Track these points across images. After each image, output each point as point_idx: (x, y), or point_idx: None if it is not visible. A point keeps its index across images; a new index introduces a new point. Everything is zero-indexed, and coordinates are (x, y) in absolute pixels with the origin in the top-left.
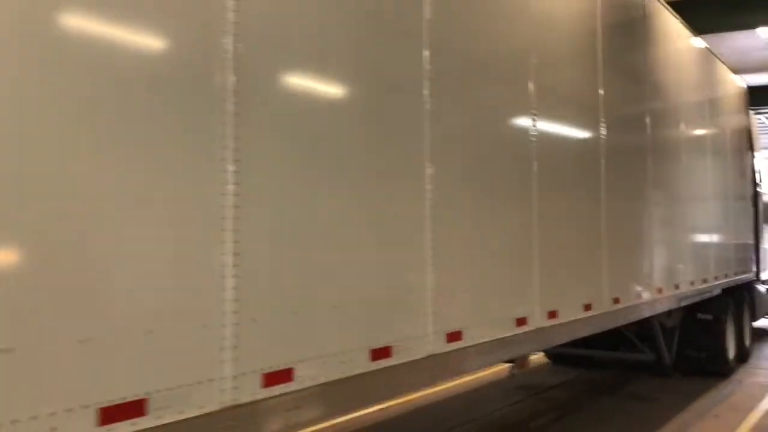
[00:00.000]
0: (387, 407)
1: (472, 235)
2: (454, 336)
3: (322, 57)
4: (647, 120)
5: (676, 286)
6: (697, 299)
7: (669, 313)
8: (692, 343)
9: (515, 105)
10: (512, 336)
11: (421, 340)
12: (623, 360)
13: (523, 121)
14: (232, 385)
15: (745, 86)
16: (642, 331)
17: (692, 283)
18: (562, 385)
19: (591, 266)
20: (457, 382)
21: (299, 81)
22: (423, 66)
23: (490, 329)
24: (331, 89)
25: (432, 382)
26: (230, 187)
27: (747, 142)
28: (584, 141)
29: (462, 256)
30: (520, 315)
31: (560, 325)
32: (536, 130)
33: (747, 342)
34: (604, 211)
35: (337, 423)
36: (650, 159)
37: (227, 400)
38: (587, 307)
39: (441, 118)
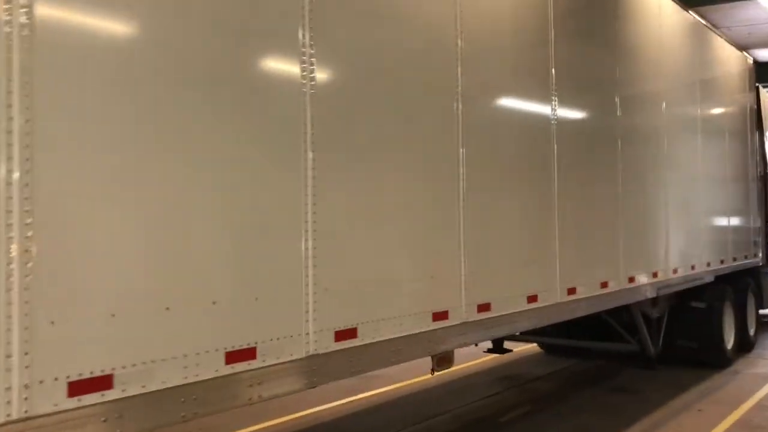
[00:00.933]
0: (361, 398)
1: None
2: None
3: None
4: (617, 101)
5: (654, 274)
6: (683, 287)
7: (654, 302)
8: (685, 332)
9: None
10: (433, 330)
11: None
12: (609, 350)
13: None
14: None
15: (751, 62)
16: (626, 320)
17: (675, 271)
18: (548, 377)
19: (540, 254)
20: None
21: None
22: None
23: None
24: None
25: None
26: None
27: (754, 121)
28: (532, 121)
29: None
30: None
31: (495, 318)
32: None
33: (751, 331)
34: (556, 194)
35: (315, 412)
36: (619, 141)
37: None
38: (532, 299)
39: None
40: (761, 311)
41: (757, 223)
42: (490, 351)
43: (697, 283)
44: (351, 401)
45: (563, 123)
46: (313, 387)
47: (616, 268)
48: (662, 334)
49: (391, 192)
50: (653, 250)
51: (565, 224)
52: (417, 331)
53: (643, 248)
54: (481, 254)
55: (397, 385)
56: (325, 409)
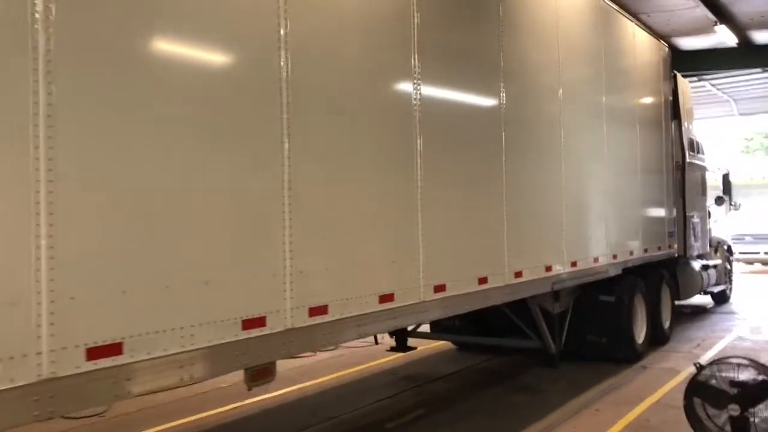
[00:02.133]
0: (244, 404)
1: None
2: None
3: None
4: (502, 93)
5: (547, 268)
6: (584, 281)
7: (555, 296)
8: (594, 327)
9: None
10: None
11: None
12: (511, 347)
13: None
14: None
15: (667, 50)
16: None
17: (574, 264)
18: (452, 376)
19: (405, 246)
20: (344, 372)
21: None
22: None
23: None
24: None
25: None
26: None
27: (670, 110)
28: (394, 108)
29: None
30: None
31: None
32: None
33: (666, 324)
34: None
35: (197, 419)
36: (504, 130)
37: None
38: (384, 298)
39: None
40: (679, 302)
41: (673, 213)
42: (393, 349)
43: (601, 276)
44: (234, 407)
45: (426, 107)
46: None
47: (500, 263)
48: (566, 330)
49: None
50: (546, 243)
51: (431, 219)
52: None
53: (534, 241)
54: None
55: (291, 388)
56: (205, 416)
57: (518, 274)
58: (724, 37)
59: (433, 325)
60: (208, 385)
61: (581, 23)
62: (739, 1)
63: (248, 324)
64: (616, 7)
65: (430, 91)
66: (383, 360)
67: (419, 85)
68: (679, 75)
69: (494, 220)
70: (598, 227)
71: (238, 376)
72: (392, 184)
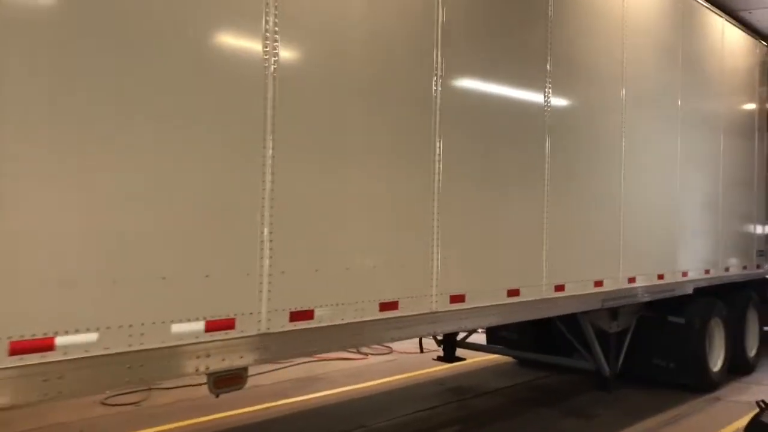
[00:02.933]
0: (282, 404)
1: None
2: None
3: None
4: (547, 94)
5: (597, 283)
6: (644, 300)
7: (613, 314)
8: (661, 350)
9: None
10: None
11: None
12: (565, 366)
13: None
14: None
15: (766, 53)
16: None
17: (633, 280)
18: (501, 391)
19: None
20: (390, 378)
21: None
22: None
23: None
24: None
25: None
26: None
27: (766, 118)
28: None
29: None
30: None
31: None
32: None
33: (751, 352)
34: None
35: (236, 414)
36: (548, 134)
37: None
38: (386, 306)
39: None
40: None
41: (762, 229)
42: (439, 359)
43: (665, 295)
44: (271, 406)
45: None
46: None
47: (536, 275)
48: (624, 352)
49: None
50: (598, 256)
51: (449, 222)
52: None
53: (581, 253)
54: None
55: (331, 391)
56: (245, 413)
57: (559, 288)
58: None
59: (490, 335)
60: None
61: (653, 18)
62: None
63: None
64: (702, 1)
65: (452, 86)
66: (435, 368)
67: (439, 78)
68: None
69: (531, 229)
70: (664, 242)
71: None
72: (406, 183)
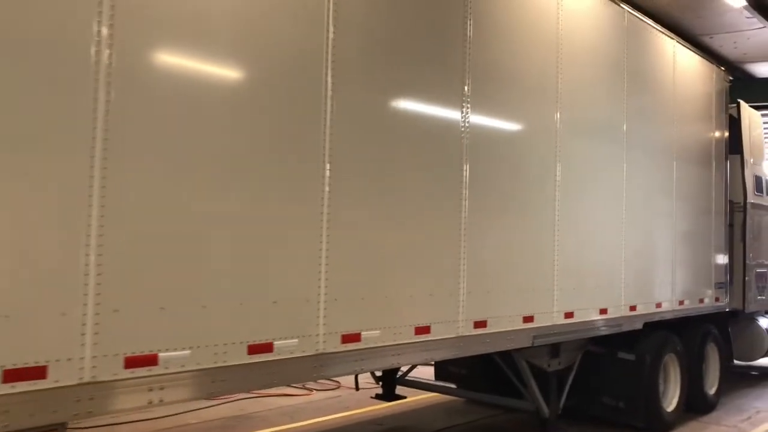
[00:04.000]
0: None
1: None
2: None
3: None
4: (465, 120)
5: (527, 319)
6: (580, 336)
7: (554, 351)
8: (610, 388)
9: None
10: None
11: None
12: (504, 406)
13: None
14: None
15: (722, 75)
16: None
17: (570, 315)
18: None
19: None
20: (326, 417)
21: None
22: None
23: None
24: None
25: None
26: None
27: (726, 144)
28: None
29: None
30: None
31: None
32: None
33: (711, 389)
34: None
35: None
36: (467, 164)
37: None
38: (255, 348)
39: None
40: (745, 363)
41: (724, 261)
42: (378, 397)
43: (610, 331)
44: None
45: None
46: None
47: (453, 310)
48: (566, 391)
49: None
50: (528, 289)
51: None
52: None
53: (508, 285)
54: None
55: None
56: None
57: (480, 324)
58: None
59: (439, 370)
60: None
61: (593, 39)
62: None
63: None
64: (651, 22)
65: (345, 107)
66: (378, 407)
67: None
68: (744, 104)
69: (446, 261)
70: (608, 274)
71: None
72: (283, 211)
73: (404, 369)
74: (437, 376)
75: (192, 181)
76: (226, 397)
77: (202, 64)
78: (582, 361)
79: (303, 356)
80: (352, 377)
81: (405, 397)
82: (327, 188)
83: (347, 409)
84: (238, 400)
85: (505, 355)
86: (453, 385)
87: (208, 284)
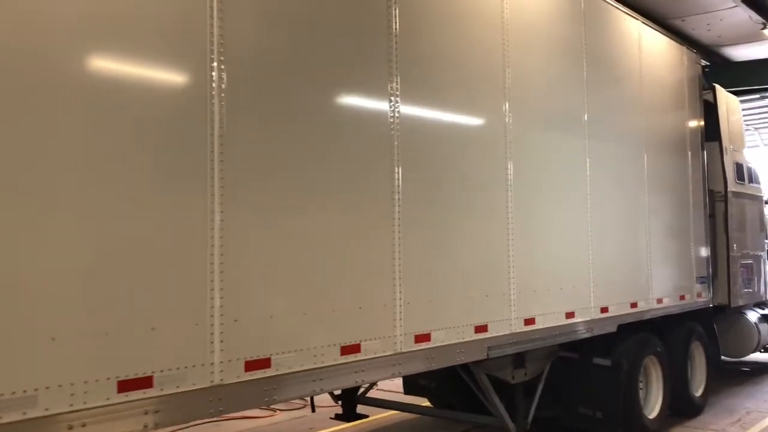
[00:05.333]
0: None
1: None
2: None
3: None
4: (394, 116)
5: (479, 329)
6: (548, 343)
7: (516, 363)
8: (587, 397)
9: None
10: None
11: None
12: (472, 423)
13: None
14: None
15: (694, 60)
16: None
17: (530, 322)
18: None
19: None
20: None
21: None
22: None
23: None
24: None
25: None
26: None
27: (702, 132)
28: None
29: None
30: None
31: None
32: None
33: (697, 391)
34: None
35: None
36: (399, 167)
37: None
38: (130, 384)
39: None
40: (737, 360)
41: (706, 254)
42: (338, 417)
43: (577, 336)
44: None
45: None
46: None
47: (388, 324)
48: (535, 404)
49: None
50: (481, 294)
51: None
52: None
53: (454, 291)
54: None
55: None
56: None
57: (422, 338)
58: None
59: (408, 384)
60: None
61: (546, 21)
62: None
63: None
64: (611, 2)
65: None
66: (342, 427)
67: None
68: (720, 89)
69: (375, 269)
70: (573, 275)
71: None
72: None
73: (365, 386)
74: (406, 390)
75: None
76: (185, 425)
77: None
78: (554, 369)
79: (197, 389)
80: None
81: (367, 416)
82: (218, 209)
83: (311, 430)
84: (198, 424)
85: (465, 368)
86: (416, 403)
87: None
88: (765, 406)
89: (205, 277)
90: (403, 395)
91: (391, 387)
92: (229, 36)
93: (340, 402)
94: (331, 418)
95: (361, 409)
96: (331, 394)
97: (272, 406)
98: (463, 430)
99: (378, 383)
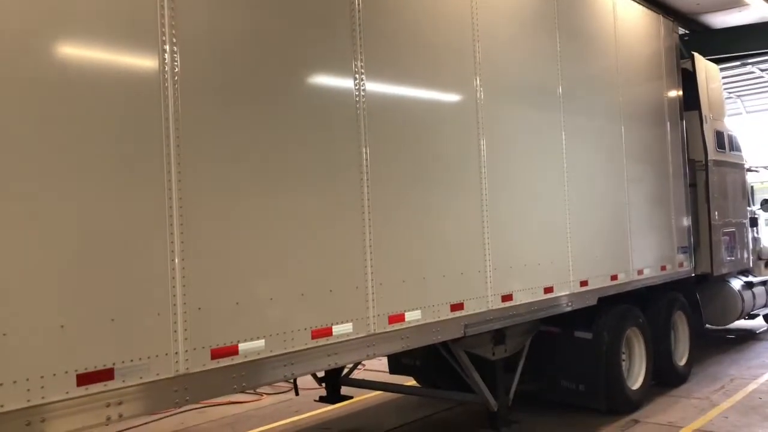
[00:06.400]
0: None
1: None
2: None
3: None
4: (360, 94)
5: (455, 307)
6: (526, 319)
7: (498, 338)
8: (569, 370)
9: None
10: None
11: None
12: (454, 400)
13: None
14: None
15: (672, 25)
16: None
17: (507, 298)
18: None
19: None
20: (280, 423)
21: None
22: None
23: None
24: None
25: None
26: None
27: (680, 101)
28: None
29: None
30: None
31: None
32: None
33: (681, 360)
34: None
35: None
36: (366, 147)
37: None
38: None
39: None
40: (723, 327)
41: (687, 223)
42: (322, 400)
43: (556, 311)
44: None
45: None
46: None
47: (360, 305)
48: (516, 380)
49: None
50: (455, 270)
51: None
52: None
53: (427, 272)
54: None
55: None
56: None
57: (396, 318)
58: (760, 8)
59: (392, 363)
60: None
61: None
62: None
63: None
64: None
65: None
66: (328, 409)
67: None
68: (699, 57)
69: (346, 248)
70: (551, 249)
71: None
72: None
73: (348, 367)
74: (391, 370)
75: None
76: (169, 410)
77: None
78: (536, 344)
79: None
80: (304, 379)
81: (351, 398)
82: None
83: (297, 413)
84: (181, 412)
85: (445, 346)
86: (400, 383)
87: None
88: (748, 373)
89: (166, 266)
90: (388, 375)
91: (378, 367)
92: (182, 16)
93: (323, 384)
94: (315, 400)
95: (345, 390)
96: (314, 376)
97: (258, 390)
98: (447, 407)
99: (364, 363)
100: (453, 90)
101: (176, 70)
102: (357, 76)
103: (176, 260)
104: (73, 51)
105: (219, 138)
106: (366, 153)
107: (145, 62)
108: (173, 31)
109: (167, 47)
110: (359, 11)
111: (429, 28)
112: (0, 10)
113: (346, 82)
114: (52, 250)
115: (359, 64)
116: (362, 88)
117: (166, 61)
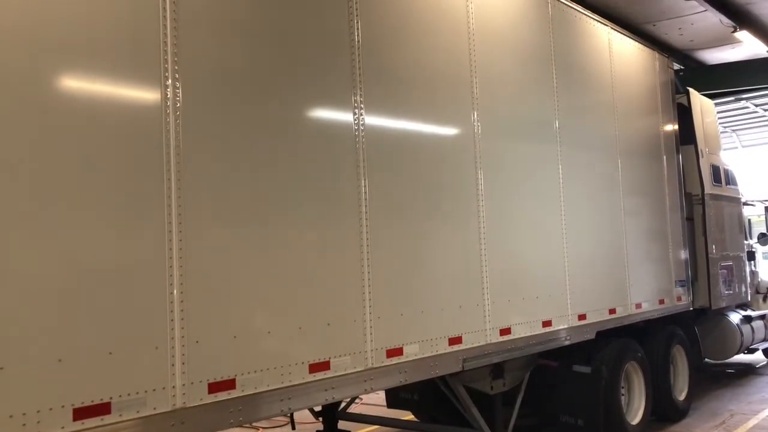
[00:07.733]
0: None
1: None
2: None
3: None
4: (359, 128)
5: (453, 340)
6: (526, 353)
7: (495, 373)
8: (568, 405)
9: None
10: None
11: None
12: None
13: None
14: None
15: (667, 61)
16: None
17: (505, 332)
18: None
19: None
20: None
21: None
22: None
23: None
24: None
25: None
26: None
27: (676, 135)
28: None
29: None
30: None
31: None
32: None
33: (681, 395)
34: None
35: None
36: (365, 179)
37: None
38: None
39: None
40: (721, 362)
41: (682, 256)
42: None
43: (554, 345)
44: None
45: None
46: None
47: (358, 339)
48: (515, 414)
49: None
50: (453, 305)
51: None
52: None
53: (426, 306)
54: None
55: None
56: None
57: (394, 352)
58: (752, 45)
59: (390, 397)
60: None
61: (513, 30)
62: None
63: None
64: (579, 8)
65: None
66: None
67: (361, 120)
68: (694, 92)
69: (342, 283)
70: (549, 283)
71: None
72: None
73: (346, 401)
74: (389, 404)
75: None
76: None
77: None
78: (534, 378)
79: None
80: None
81: None
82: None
83: None
84: None
85: (443, 380)
86: (398, 417)
87: None
88: (749, 408)
89: (165, 299)
90: (386, 409)
91: (376, 401)
92: (185, 52)
93: (320, 418)
94: None
95: (342, 424)
96: (312, 410)
97: (254, 424)
98: None
99: (362, 397)
100: (451, 123)
101: (178, 104)
102: (356, 110)
103: (175, 293)
104: (76, 84)
105: (219, 171)
106: (365, 186)
107: (147, 95)
108: (176, 67)
109: (169, 81)
110: (359, 47)
111: (428, 62)
112: (3, 43)
113: (345, 116)
114: (50, 283)
115: (358, 98)
116: (361, 122)
117: (168, 96)
